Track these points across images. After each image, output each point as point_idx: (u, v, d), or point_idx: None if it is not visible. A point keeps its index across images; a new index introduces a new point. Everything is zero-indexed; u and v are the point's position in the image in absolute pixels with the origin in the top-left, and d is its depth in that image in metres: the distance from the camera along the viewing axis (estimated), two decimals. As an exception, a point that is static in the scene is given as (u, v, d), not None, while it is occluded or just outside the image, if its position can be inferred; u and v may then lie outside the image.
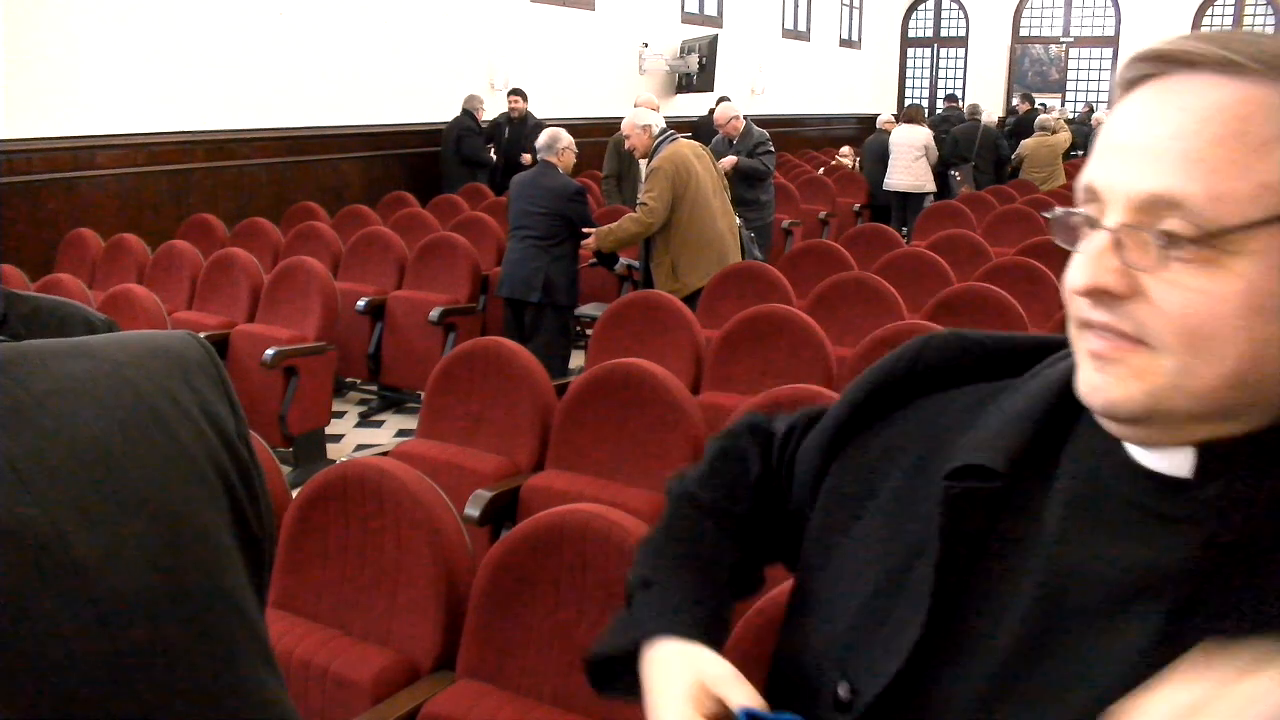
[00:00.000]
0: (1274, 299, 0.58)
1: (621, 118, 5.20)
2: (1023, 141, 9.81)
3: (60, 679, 0.64)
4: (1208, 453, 0.63)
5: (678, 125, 5.47)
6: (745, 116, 6.51)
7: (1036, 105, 12.94)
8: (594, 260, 5.13)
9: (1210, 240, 0.58)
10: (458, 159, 7.93)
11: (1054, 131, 9.56)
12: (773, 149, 6.33)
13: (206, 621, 0.74)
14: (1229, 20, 15.64)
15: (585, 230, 4.79)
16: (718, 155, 6.11)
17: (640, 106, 5.11)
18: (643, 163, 5.85)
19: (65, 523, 0.66)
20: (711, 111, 10.54)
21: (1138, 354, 0.61)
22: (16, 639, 0.63)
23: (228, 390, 0.82)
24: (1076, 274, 0.63)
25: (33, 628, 0.63)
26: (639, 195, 4.77)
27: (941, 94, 17.00)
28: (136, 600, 0.68)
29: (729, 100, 7.67)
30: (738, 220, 5.13)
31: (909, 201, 8.93)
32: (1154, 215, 0.60)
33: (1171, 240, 0.59)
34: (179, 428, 0.75)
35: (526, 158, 7.56)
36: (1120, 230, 0.61)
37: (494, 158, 8.17)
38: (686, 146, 4.75)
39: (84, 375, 0.72)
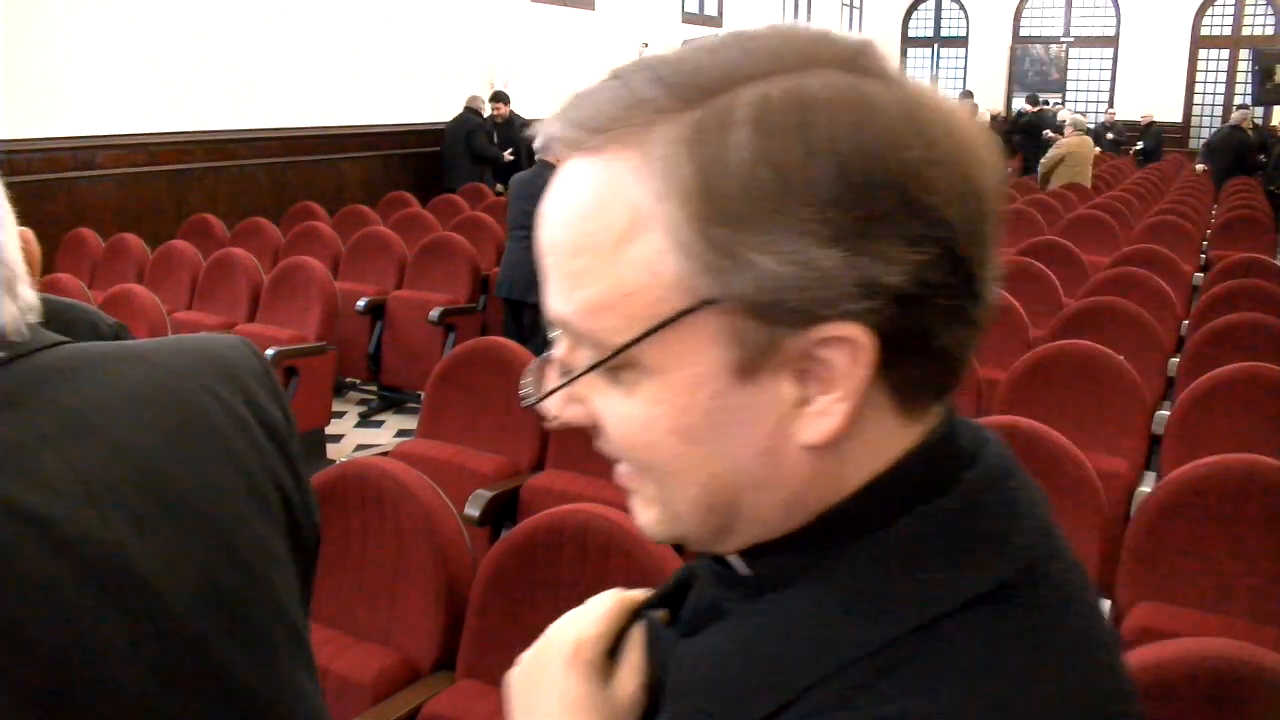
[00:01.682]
0: (699, 416, 0.48)
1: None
2: (1061, 140, 9.77)
3: (115, 690, 0.65)
4: (750, 553, 0.53)
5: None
6: None
7: (1040, 105, 13.00)
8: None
9: (603, 363, 0.49)
10: (468, 156, 7.98)
11: (1087, 130, 9.69)
12: None
13: (257, 632, 0.75)
14: (1229, 20, 15.63)
15: None
16: None
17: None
18: None
19: (127, 537, 0.67)
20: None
21: (639, 480, 0.53)
22: (76, 651, 0.64)
23: (279, 396, 0.82)
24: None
25: (91, 641, 0.65)
26: None
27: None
28: (191, 613, 0.70)
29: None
30: None
31: None
32: (569, 339, 0.52)
33: (584, 366, 0.50)
34: (234, 439, 0.76)
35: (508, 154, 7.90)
36: (548, 360, 0.53)
37: (504, 155, 8.21)
38: None
39: (142, 384, 0.73)
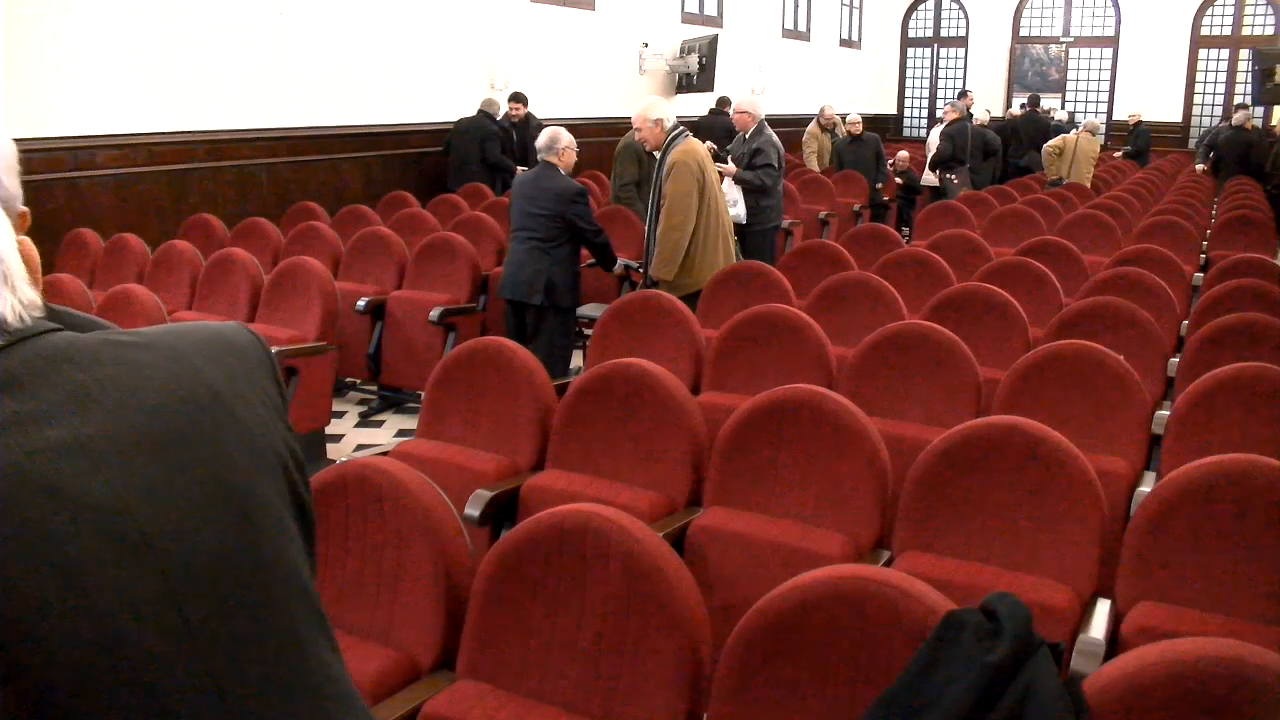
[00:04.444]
0: None
1: (622, 118, 5.18)
2: (1063, 137, 9.83)
3: (129, 647, 0.67)
4: None
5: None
6: (763, 120, 6.30)
7: (1042, 107, 12.99)
8: (592, 261, 5.13)
9: None
10: (482, 162, 7.94)
11: (1094, 132, 9.84)
12: (773, 162, 6.03)
13: (271, 595, 0.77)
14: (1229, 20, 15.63)
15: (653, 277, 4.71)
16: (734, 154, 6.12)
17: (656, 102, 5.07)
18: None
19: (134, 498, 0.69)
20: (712, 111, 10.57)
21: None
22: (88, 608, 0.66)
23: (276, 373, 0.86)
24: None
25: (103, 597, 0.66)
26: (664, 191, 4.73)
27: (942, 95, 17.01)
28: (205, 573, 0.72)
29: (728, 98, 7.64)
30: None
31: (937, 195, 9.32)
32: None
33: None
34: (239, 409, 0.79)
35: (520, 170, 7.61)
36: None
37: (517, 168, 8.17)
38: (698, 144, 4.79)
39: (146, 361, 0.75)
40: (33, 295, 0.74)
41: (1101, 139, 11.04)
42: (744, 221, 5.90)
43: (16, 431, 0.67)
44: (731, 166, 6.03)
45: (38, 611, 0.64)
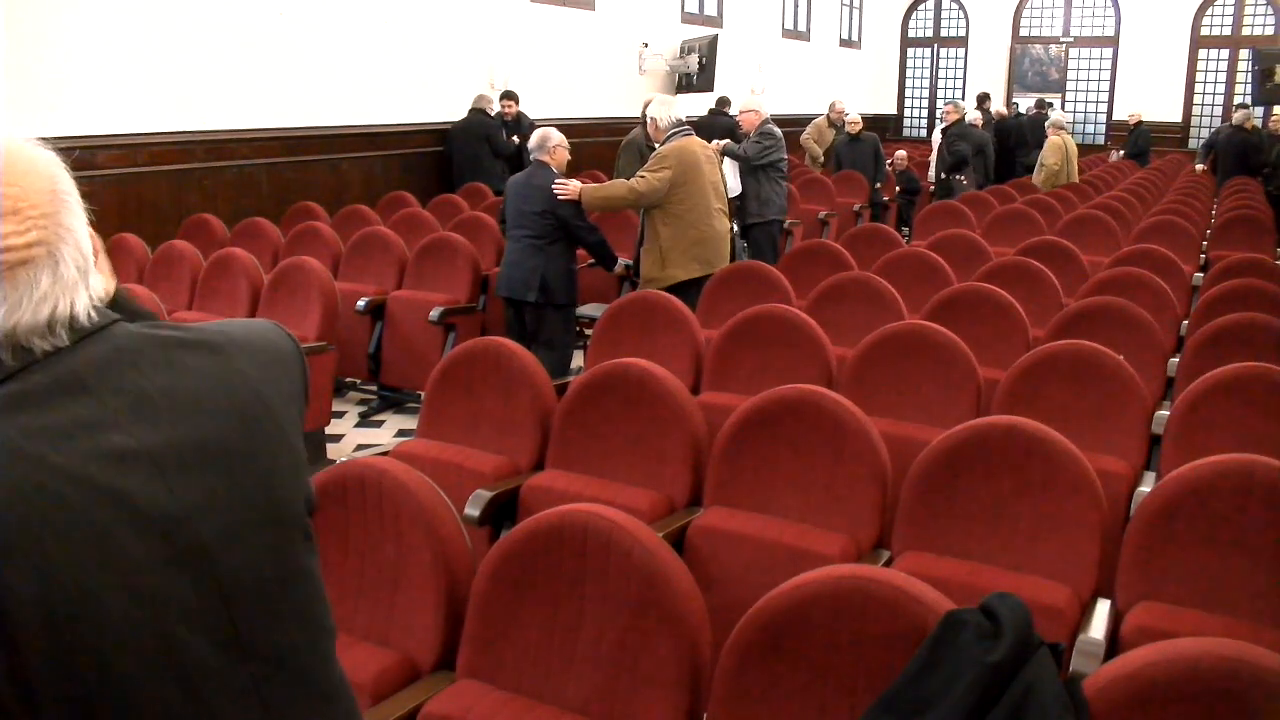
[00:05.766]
0: None
1: (621, 118, 5.19)
2: (1051, 144, 9.76)
3: (184, 655, 0.69)
4: None
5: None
6: (769, 119, 6.38)
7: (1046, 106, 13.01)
8: (591, 261, 5.12)
9: None
10: (495, 156, 8.04)
11: (1064, 127, 9.90)
12: (768, 143, 6.13)
13: (302, 604, 0.80)
14: (1229, 20, 15.62)
15: (563, 183, 4.73)
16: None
17: (657, 101, 5.12)
18: None
19: (195, 509, 0.71)
20: (712, 111, 10.57)
21: None
22: (149, 617, 0.68)
23: (305, 378, 0.89)
24: None
25: (164, 606, 0.69)
26: (641, 168, 4.81)
27: (942, 95, 17.01)
28: (252, 582, 0.74)
29: (728, 98, 7.66)
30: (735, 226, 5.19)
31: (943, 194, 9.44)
32: None
33: None
34: (284, 421, 0.82)
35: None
36: None
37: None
38: (697, 144, 4.82)
39: (202, 367, 0.78)
40: (99, 286, 0.79)
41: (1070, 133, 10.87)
42: (735, 192, 5.97)
43: (84, 437, 0.68)
44: (719, 143, 6.10)
45: (101, 618, 0.65)
